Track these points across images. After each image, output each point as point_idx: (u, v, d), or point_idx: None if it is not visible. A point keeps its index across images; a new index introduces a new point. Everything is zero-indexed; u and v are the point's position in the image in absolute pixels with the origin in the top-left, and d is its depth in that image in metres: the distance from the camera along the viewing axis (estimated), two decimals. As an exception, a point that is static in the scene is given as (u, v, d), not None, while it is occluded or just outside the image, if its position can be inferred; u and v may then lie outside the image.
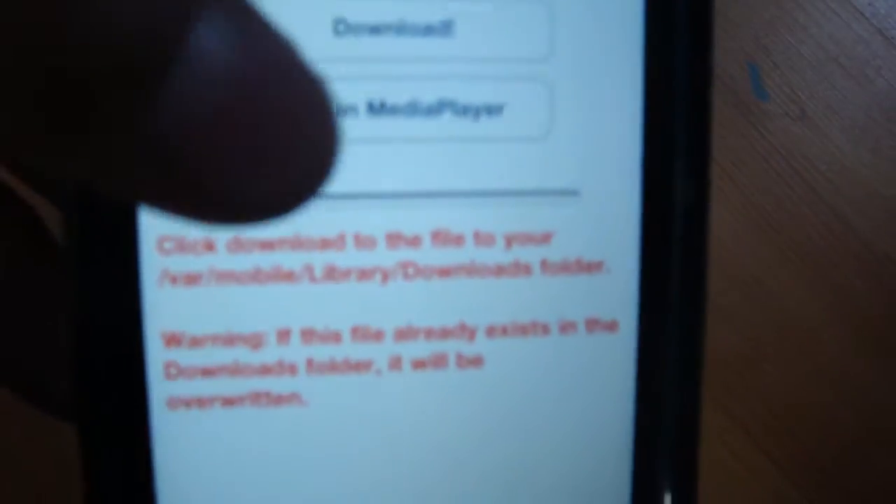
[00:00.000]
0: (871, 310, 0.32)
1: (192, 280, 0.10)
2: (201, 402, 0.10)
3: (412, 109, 0.10)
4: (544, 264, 0.10)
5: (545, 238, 0.10)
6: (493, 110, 0.10)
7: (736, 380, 0.32)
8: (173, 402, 0.10)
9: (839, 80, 0.33)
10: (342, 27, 0.10)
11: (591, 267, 0.10)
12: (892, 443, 0.32)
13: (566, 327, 0.10)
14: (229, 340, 0.10)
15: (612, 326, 0.10)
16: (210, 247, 0.10)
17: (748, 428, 0.32)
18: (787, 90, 0.33)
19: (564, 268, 0.10)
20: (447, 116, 0.10)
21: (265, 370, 0.10)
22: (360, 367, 0.10)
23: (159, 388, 0.10)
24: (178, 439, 0.10)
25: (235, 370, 0.10)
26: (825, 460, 0.32)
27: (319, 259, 0.10)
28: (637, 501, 0.10)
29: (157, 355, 0.10)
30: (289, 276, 0.10)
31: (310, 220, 0.10)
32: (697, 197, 0.10)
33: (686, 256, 0.10)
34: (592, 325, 0.10)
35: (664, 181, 0.10)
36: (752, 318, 0.32)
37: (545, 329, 0.10)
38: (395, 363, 0.10)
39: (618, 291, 0.10)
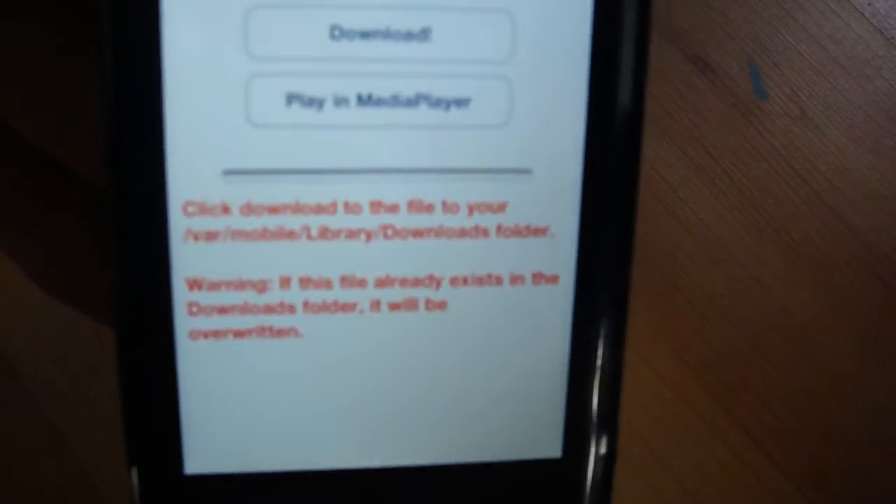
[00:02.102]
0: (871, 310, 0.32)
1: (211, 237, 0.12)
2: (216, 334, 0.13)
3: (394, 101, 0.12)
4: (499, 228, 0.13)
5: (501, 207, 0.13)
6: (461, 103, 0.12)
7: (736, 380, 0.32)
8: (194, 334, 0.13)
9: (839, 80, 0.33)
10: (337, 32, 0.12)
11: (538, 231, 0.13)
12: (891, 443, 0.32)
13: (516, 279, 0.13)
14: (240, 285, 0.13)
15: (554, 279, 0.13)
16: (226, 210, 0.12)
17: (748, 428, 0.32)
18: (787, 90, 0.33)
19: (516, 232, 0.13)
20: (423, 107, 0.12)
21: (269, 309, 0.13)
22: (347, 307, 0.13)
23: (183, 323, 0.13)
24: (199, 364, 0.13)
25: (245, 309, 0.13)
26: (825, 460, 0.32)
27: (315, 221, 0.12)
28: (569, 417, 0.13)
29: (181, 296, 0.12)
30: (290, 235, 0.13)
31: (308, 190, 0.12)
32: (628, 178, 0.13)
33: (616, 228, 0.13)
34: (538, 278, 0.13)
35: (602, 165, 0.13)
36: (752, 318, 0.32)
37: (498, 280, 0.13)
38: (375, 305, 0.13)
39: (560, 252, 0.13)
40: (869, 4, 0.33)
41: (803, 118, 0.33)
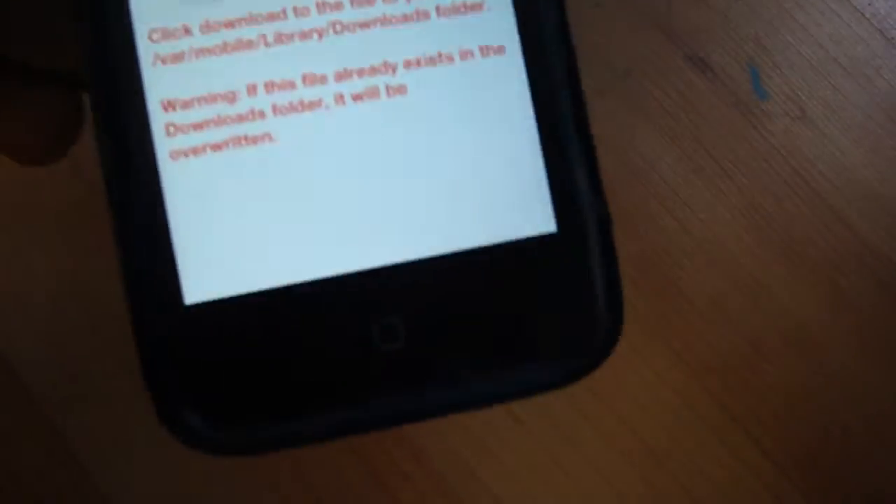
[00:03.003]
0: (871, 310, 0.32)
1: (178, 58, 0.13)
2: (195, 151, 0.13)
3: None
4: (438, 9, 0.14)
5: None
6: None
7: (736, 380, 0.32)
8: (175, 154, 0.13)
9: (839, 80, 0.33)
10: None
11: (475, 7, 0.14)
12: (892, 443, 0.32)
13: (465, 54, 0.14)
14: (211, 99, 0.13)
15: (500, 50, 0.14)
16: (188, 31, 0.13)
17: (748, 428, 0.32)
18: (787, 90, 0.33)
19: (454, 10, 0.14)
20: None
21: (241, 118, 0.13)
22: (313, 105, 0.14)
23: (163, 144, 0.13)
24: (182, 182, 0.13)
25: (219, 121, 0.13)
26: (825, 460, 0.32)
27: (269, 28, 0.13)
28: (553, 184, 0.14)
29: (158, 118, 0.13)
30: (249, 45, 0.13)
31: (257, 1, 0.13)
32: None
33: None
34: (485, 50, 0.14)
35: None
36: (752, 318, 0.32)
37: (450, 58, 0.14)
38: (339, 98, 0.14)
39: (499, 22, 0.14)
40: (869, 4, 0.33)
41: (803, 118, 0.33)
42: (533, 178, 0.14)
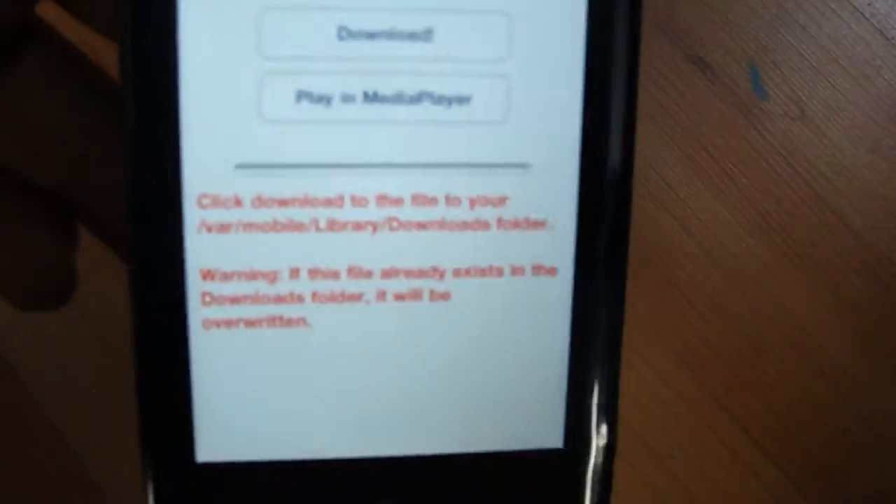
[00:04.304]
0: (871, 310, 0.32)
1: (224, 228, 0.13)
2: (228, 323, 0.13)
3: (398, 98, 0.13)
4: (500, 221, 0.13)
5: (501, 201, 0.13)
6: (462, 100, 0.13)
7: (736, 380, 0.32)
8: (207, 323, 0.13)
9: (839, 80, 0.33)
10: (344, 33, 0.12)
11: (537, 224, 0.13)
12: (891, 443, 0.32)
13: (516, 271, 0.13)
14: (252, 276, 0.13)
15: (552, 271, 0.14)
16: (238, 202, 0.13)
17: (748, 428, 0.32)
18: (787, 90, 0.33)
19: (516, 225, 0.13)
20: (426, 104, 0.13)
21: (279, 299, 0.13)
22: (354, 298, 0.13)
23: (196, 312, 0.13)
24: (211, 353, 0.13)
25: (256, 299, 0.13)
26: (825, 460, 0.32)
27: (323, 214, 0.13)
28: (570, 407, 0.14)
29: (195, 286, 0.13)
30: (299, 227, 0.13)
31: (316, 183, 0.13)
32: (623, 171, 0.13)
33: (612, 221, 0.13)
34: (537, 269, 0.14)
35: (598, 159, 0.13)
36: (752, 318, 0.32)
37: (499, 272, 0.13)
38: (381, 296, 0.13)
39: (558, 244, 0.13)
40: (869, 4, 0.33)
41: (803, 118, 0.33)
42: (552, 398, 0.14)
